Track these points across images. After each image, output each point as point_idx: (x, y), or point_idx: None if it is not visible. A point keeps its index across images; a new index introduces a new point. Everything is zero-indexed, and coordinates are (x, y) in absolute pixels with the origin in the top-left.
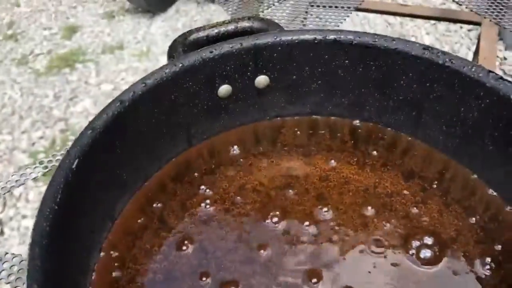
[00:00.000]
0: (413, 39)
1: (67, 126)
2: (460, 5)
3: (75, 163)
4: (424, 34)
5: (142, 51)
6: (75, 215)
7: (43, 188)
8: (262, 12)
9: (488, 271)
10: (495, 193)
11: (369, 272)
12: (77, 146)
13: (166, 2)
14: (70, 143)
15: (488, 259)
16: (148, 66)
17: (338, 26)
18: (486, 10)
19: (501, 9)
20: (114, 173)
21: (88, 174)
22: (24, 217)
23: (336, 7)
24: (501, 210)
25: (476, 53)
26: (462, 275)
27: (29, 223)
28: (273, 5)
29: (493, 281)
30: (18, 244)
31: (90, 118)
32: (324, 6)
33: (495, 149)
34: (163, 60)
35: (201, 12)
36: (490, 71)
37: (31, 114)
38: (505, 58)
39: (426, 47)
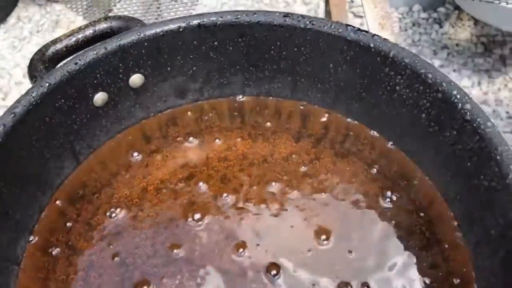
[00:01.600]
0: None
1: None
2: None
3: None
4: None
5: None
6: None
7: None
8: (115, 6)
9: (389, 203)
10: (376, 134)
11: (292, 227)
12: None
13: (2, 10)
14: None
15: (388, 193)
16: (3, 84)
17: (196, 5)
18: None
19: None
20: (4, 216)
21: None
22: None
23: None
24: (384, 147)
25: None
26: (367, 211)
27: None
28: None
29: (394, 211)
30: None
31: None
32: None
33: (367, 94)
34: (17, 75)
35: (45, 14)
36: (347, 25)
37: None
38: (352, 1)
39: (286, 14)
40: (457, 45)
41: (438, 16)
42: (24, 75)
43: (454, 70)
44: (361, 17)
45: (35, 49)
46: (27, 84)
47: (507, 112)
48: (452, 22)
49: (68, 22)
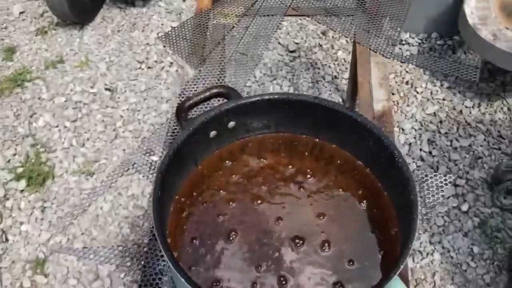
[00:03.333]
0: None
1: (35, 141)
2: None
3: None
4: None
5: (81, 61)
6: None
7: (31, 197)
8: (207, 56)
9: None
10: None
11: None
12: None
13: (91, 12)
14: (43, 155)
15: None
16: (91, 74)
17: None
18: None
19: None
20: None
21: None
22: (21, 223)
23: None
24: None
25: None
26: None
27: (27, 227)
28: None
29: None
30: (23, 245)
31: (54, 130)
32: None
33: (354, 138)
34: (103, 67)
35: (125, 16)
36: (340, 104)
37: None
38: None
39: (315, 97)
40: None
41: (453, 43)
42: (108, 68)
43: (459, 92)
44: None
45: (118, 46)
46: (110, 76)
47: (498, 131)
48: (464, 49)
49: (143, 24)
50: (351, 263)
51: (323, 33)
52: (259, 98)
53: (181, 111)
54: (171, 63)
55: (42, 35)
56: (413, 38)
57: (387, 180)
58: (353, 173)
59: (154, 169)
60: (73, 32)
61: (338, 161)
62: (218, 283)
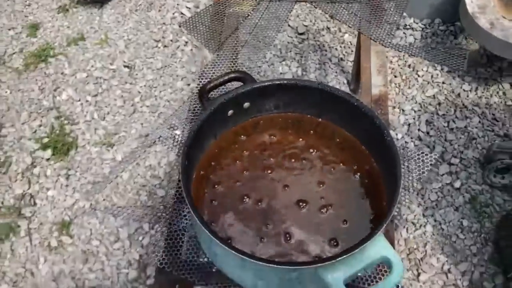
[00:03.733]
0: None
1: (59, 113)
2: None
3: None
4: None
5: (101, 39)
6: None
7: (56, 165)
8: (223, 44)
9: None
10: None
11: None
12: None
13: None
14: (67, 127)
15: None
16: (111, 52)
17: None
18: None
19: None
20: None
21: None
22: (48, 189)
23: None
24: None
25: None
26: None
27: (53, 193)
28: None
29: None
30: (50, 209)
31: (76, 103)
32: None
33: (347, 117)
34: (122, 45)
35: None
36: (337, 89)
37: (24, 108)
38: None
39: (319, 83)
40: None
41: (455, 29)
42: (126, 46)
43: (458, 76)
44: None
45: (136, 25)
46: (129, 54)
47: (493, 114)
48: (465, 35)
49: (159, 4)
50: (345, 222)
51: (331, 16)
52: (270, 82)
53: (203, 93)
54: (186, 42)
55: (64, 13)
56: (416, 23)
57: (378, 155)
58: (350, 149)
59: (177, 141)
60: (93, 11)
61: (338, 139)
62: (231, 238)
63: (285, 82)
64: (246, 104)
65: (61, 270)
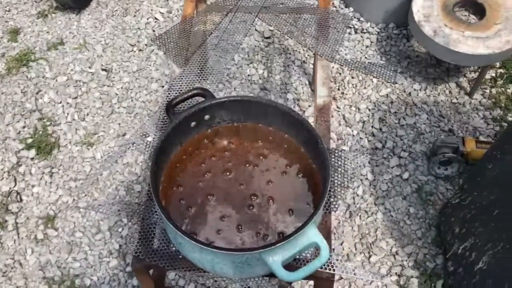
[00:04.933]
0: None
1: (42, 115)
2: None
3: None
4: None
5: (80, 44)
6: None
7: (40, 164)
8: (190, 58)
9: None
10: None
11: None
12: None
13: None
14: (49, 128)
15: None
16: (89, 56)
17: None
18: None
19: None
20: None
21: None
22: (33, 186)
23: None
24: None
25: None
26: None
27: (38, 189)
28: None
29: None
30: (36, 205)
31: (58, 106)
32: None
33: (292, 125)
34: (99, 49)
35: (118, 2)
36: (282, 104)
37: (8, 110)
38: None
39: (267, 99)
40: (417, 56)
41: (407, 32)
42: (104, 50)
43: (410, 76)
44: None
45: (112, 30)
46: (106, 58)
47: (440, 111)
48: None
49: (134, 10)
50: (291, 212)
51: (295, 21)
52: (227, 99)
53: (170, 107)
54: (158, 48)
55: (43, 18)
56: (373, 27)
57: (315, 158)
58: (295, 153)
59: (149, 147)
60: (71, 16)
61: (285, 145)
62: (195, 230)
63: (239, 98)
64: (207, 117)
65: (48, 260)
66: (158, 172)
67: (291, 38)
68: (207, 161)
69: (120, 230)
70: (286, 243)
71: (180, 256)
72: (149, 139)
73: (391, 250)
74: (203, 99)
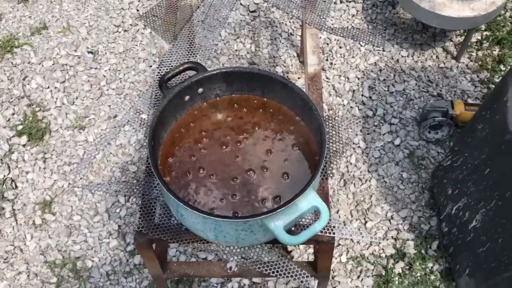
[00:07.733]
0: None
1: (30, 101)
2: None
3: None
4: None
5: (63, 27)
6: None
7: (33, 150)
8: (179, 34)
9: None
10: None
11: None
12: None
13: None
14: (39, 114)
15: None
16: (74, 39)
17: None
18: None
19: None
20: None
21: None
22: (27, 172)
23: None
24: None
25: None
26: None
27: (32, 176)
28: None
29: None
30: (31, 191)
31: (46, 91)
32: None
33: (287, 96)
34: (84, 32)
35: None
36: (274, 73)
37: None
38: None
39: (259, 69)
40: (403, 23)
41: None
42: (88, 33)
43: (397, 43)
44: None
45: (96, 11)
46: (91, 40)
47: (428, 77)
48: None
49: None
50: (287, 176)
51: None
52: (218, 71)
53: (162, 82)
54: (145, 26)
55: (24, 3)
56: None
57: (311, 125)
58: (289, 121)
59: (143, 124)
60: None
61: (280, 116)
62: (197, 201)
63: (230, 70)
64: (200, 90)
65: (48, 244)
66: (156, 148)
67: (278, 8)
68: (203, 133)
69: (118, 211)
70: (287, 208)
71: (183, 229)
72: (144, 116)
73: (386, 215)
74: (195, 72)
